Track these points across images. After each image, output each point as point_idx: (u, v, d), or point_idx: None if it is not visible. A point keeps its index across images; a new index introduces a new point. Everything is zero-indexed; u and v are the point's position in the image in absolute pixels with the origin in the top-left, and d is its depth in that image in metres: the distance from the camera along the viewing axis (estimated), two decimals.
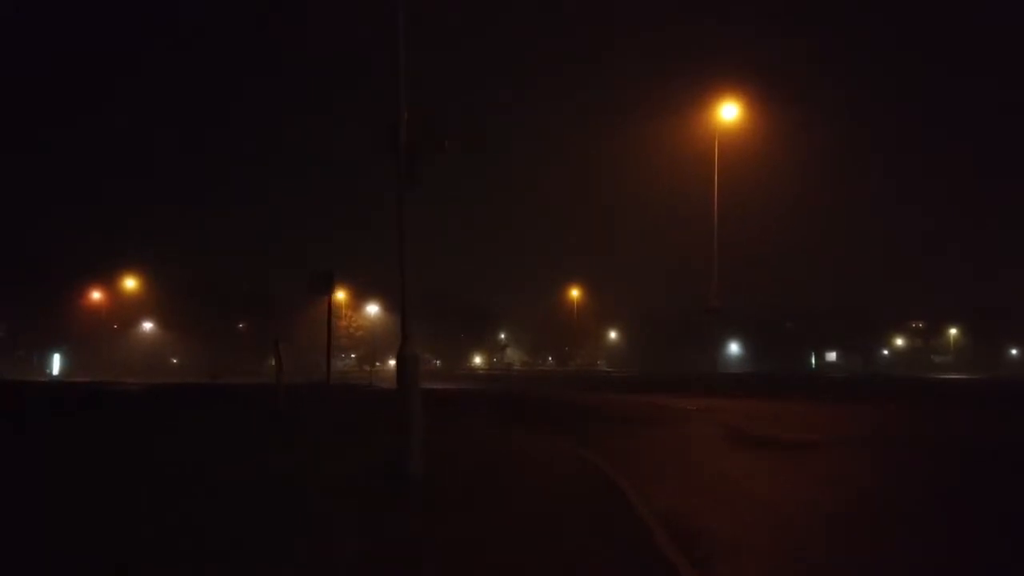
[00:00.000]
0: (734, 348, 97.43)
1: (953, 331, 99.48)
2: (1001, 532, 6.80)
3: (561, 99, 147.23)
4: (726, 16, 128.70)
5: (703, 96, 33.12)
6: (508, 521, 6.45)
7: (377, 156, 8.33)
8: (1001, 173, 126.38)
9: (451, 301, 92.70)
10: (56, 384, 38.60)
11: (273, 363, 15.63)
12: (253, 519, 6.43)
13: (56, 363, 75.45)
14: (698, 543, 5.90)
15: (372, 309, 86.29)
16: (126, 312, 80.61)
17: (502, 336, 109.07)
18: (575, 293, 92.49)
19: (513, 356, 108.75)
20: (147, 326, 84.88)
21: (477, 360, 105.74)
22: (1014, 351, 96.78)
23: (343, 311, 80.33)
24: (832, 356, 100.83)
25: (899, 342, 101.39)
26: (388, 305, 79.63)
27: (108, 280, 78.67)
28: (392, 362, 20.22)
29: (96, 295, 78.53)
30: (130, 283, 79.08)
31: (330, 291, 17.41)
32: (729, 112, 31.74)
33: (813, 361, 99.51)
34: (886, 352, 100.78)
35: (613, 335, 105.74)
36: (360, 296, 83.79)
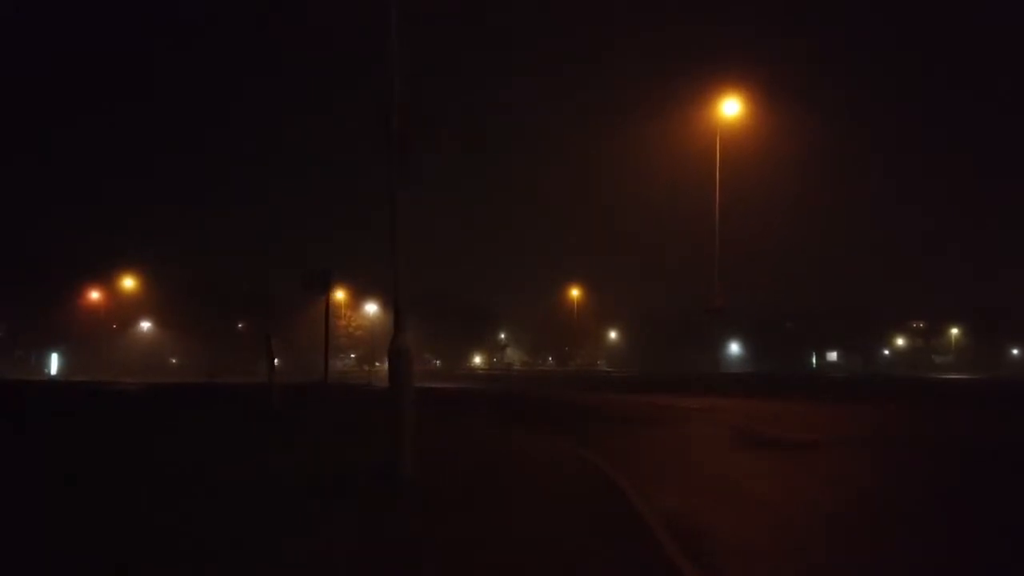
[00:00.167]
0: (734, 348, 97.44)
1: (954, 331, 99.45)
2: (1001, 532, 6.79)
3: (561, 99, 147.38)
4: (726, 16, 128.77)
5: (704, 93, 33.08)
6: (507, 521, 6.44)
7: (376, 155, 8.28)
8: (1001, 173, 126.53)
9: (451, 301, 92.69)
10: (53, 384, 38.60)
11: (274, 362, 15.59)
12: (246, 520, 6.42)
13: (54, 363, 75.40)
14: (700, 543, 5.89)
15: (371, 309, 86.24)
16: (125, 312, 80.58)
17: (502, 336, 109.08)
18: (575, 293, 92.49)
19: (513, 356, 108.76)
20: (145, 326, 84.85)
21: (477, 360, 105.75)
22: (1015, 351, 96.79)
23: (342, 311, 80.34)
24: (833, 356, 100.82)
25: (900, 342, 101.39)
26: (388, 305, 79.41)
27: (107, 280, 78.67)
28: None
29: (95, 295, 78.48)
30: (129, 283, 79.04)
31: (327, 290, 17.37)
32: (731, 108, 31.62)
33: (814, 361, 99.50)
34: (887, 352, 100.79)
35: (613, 335, 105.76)
36: (360, 296, 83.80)
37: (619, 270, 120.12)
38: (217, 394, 24.08)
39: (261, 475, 8.27)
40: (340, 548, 5.61)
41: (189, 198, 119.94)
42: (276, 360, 15.52)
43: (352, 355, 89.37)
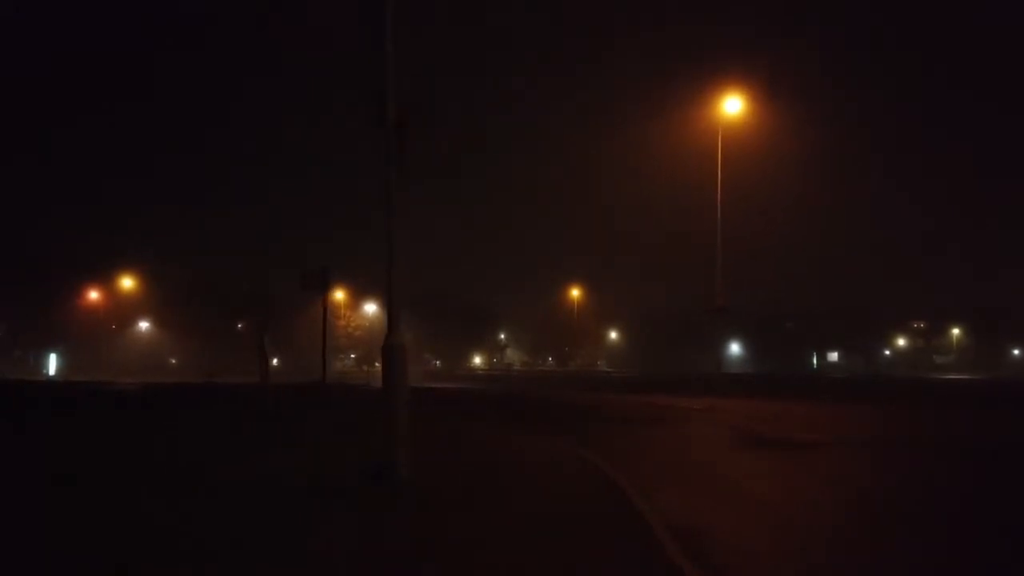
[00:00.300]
0: (735, 348, 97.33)
1: (955, 331, 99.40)
2: (1001, 532, 6.77)
3: (561, 99, 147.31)
4: (726, 16, 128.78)
5: (704, 93, 32.97)
6: (507, 522, 6.43)
7: (372, 149, 8.22)
8: (1001, 173, 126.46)
9: (451, 301, 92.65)
10: (52, 384, 38.55)
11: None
12: (244, 521, 6.42)
13: (53, 363, 75.35)
14: (700, 543, 5.88)
15: (371, 309, 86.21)
16: (124, 312, 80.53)
17: (502, 336, 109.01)
18: (575, 293, 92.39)
19: (513, 356, 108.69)
20: (144, 326, 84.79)
21: (477, 360, 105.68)
22: (1016, 351, 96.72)
23: (342, 311, 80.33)
24: (834, 356, 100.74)
25: (901, 342, 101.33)
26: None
27: (106, 280, 78.59)
28: None
29: (94, 295, 78.42)
30: (128, 283, 78.96)
31: (326, 289, 17.34)
32: (733, 106, 31.45)
33: (815, 361, 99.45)
34: (888, 352, 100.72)
35: (613, 335, 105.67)
36: (359, 296, 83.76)
37: (619, 270, 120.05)
38: (215, 394, 24.02)
39: (259, 476, 8.27)
40: (337, 549, 5.60)
41: (189, 198, 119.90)
42: (275, 360, 15.50)
43: (352, 355, 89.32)
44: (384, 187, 8.07)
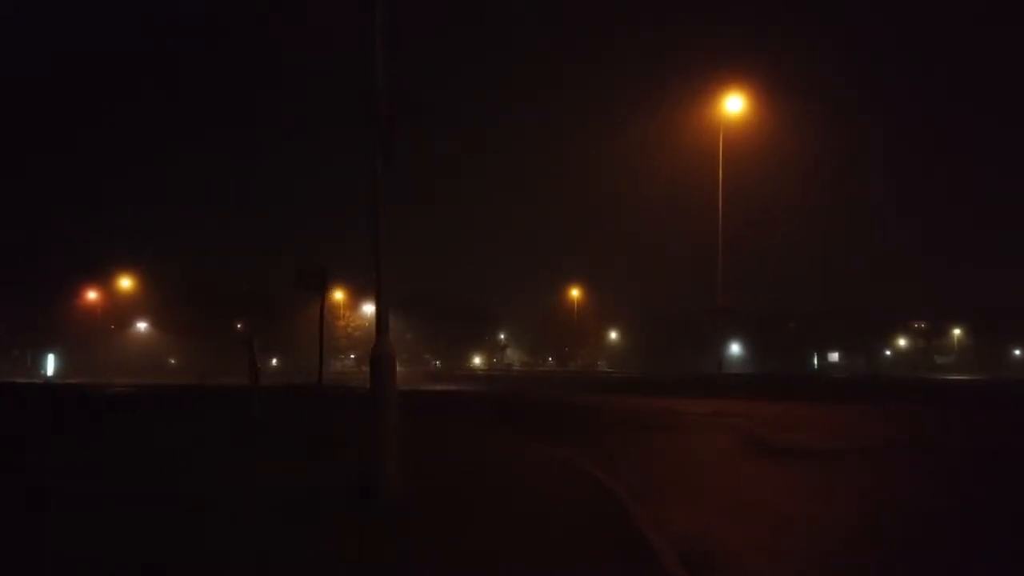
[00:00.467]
0: (735, 349, 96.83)
1: (956, 331, 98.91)
2: None
3: (561, 99, 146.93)
4: (726, 16, 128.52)
5: (705, 93, 32.55)
6: (498, 547, 5.88)
7: (361, 145, 7.72)
8: (1001, 173, 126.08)
9: (451, 301, 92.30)
10: (38, 386, 37.96)
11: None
12: (222, 540, 5.86)
13: (51, 364, 74.88)
14: (712, 564, 5.33)
15: (370, 309, 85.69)
16: (123, 312, 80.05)
17: (502, 336, 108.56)
18: (575, 293, 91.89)
19: (513, 356, 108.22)
20: (142, 326, 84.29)
21: (477, 360, 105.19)
22: (1017, 351, 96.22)
23: (341, 311, 79.83)
24: (835, 357, 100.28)
25: (901, 343, 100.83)
26: None
27: (105, 280, 78.12)
28: None
29: (93, 295, 77.94)
30: (127, 283, 78.47)
31: (323, 289, 16.77)
32: (735, 104, 31.01)
33: (815, 362, 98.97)
34: (888, 353, 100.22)
35: (613, 335, 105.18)
36: (358, 296, 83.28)
37: (619, 270, 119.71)
38: (205, 399, 23.37)
39: (230, 495, 7.67)
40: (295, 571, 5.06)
41: (189, 198, 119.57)
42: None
43: (351, 356, 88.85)
44: (371, 186, 7.57)
